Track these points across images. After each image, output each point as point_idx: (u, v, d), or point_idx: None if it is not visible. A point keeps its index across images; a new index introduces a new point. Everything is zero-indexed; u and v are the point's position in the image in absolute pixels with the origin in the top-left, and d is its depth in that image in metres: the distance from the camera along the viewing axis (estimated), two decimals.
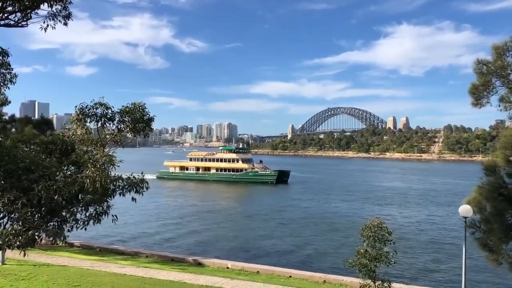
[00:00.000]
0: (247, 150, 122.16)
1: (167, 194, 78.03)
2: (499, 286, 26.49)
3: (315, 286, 21.12)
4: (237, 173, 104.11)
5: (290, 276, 23.26)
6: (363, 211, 57.09)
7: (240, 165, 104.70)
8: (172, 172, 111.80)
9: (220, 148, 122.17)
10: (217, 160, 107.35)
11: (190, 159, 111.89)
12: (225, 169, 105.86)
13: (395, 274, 25.99)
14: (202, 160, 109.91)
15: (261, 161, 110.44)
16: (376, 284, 17.04)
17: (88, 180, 8.30)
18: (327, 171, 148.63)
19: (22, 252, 7.99)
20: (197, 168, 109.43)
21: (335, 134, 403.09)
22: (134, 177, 9.83)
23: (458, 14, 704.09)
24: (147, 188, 9.90)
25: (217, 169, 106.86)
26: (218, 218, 53.16)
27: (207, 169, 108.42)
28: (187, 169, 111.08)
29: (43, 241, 8.80)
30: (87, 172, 8.46)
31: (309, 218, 53.42)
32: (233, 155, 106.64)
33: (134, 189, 9.65)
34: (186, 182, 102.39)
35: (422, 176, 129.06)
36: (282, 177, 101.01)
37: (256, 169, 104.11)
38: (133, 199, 9.71)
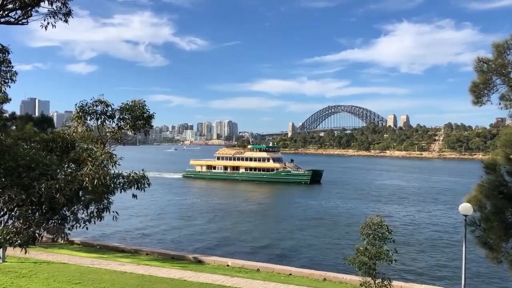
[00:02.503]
0: (277, 149, 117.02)
1: (186, 193, 76.99)
2: (498, 284, 26.53)
3: (315, 284, 21.15)
4: (268, 173, 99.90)
5: (290, 274, 23.29)
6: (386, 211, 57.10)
7: (271, 164, 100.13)
8: (199, 171, 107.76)
9: (250, 146, 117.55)
10: (247, 159, 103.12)
11: (218, 158, 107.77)
12: (255, 168, 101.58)
13: (396, 272, 26.03)
14: (230, 159, 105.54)
15: (292, 160, 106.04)
16: (376, 282, 17.06)
17: (87, 178, 8.31)
18: (335, 169, 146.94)
19: (23, 250, 8.01)
20: (225, 167, 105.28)
21: (336, 132, 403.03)
22: (135, 173, 9.82)
23: (459, 12, 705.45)
24: (148, 185, 9.90)
25: (246, 168, 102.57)
26: (229, 217, 52.67)
27: (236, 168, 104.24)
28: (214, 168, 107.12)
29: (43, 238, 8.81)
30: (86, 169, 8.46)
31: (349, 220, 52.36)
32: (264, 154, 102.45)
33: (135, 185, 9.64)
34: (213, 182, 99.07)
35: (423, 174, 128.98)
36: (315, 177, 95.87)
37: (288, 169, 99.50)
38: (134, 195, 9.72)
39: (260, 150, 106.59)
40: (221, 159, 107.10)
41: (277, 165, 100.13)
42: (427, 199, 72.08)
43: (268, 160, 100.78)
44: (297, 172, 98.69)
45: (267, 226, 46.63)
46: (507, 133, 10.63)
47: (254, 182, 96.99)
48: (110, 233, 39.02)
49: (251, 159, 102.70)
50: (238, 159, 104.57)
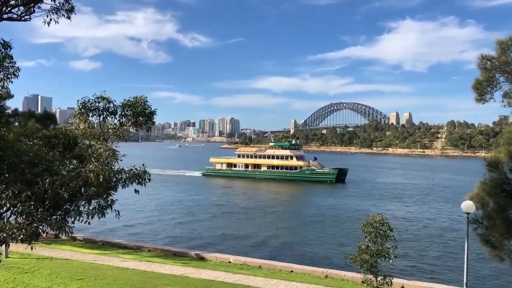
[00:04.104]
0: (300, 146, 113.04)
1: (201, 192, 75.93)
2: (500, 282, 26.51)
3: (317, 281, 21.15)
4: (292, 171, 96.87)
5: (292, 271, 23.30)
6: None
7: (295, 162, 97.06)
8: (219, 169, 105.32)
9: (271, 144, 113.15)
10: (269, 157, 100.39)
11: (238, 156, 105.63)
12: (277, 167, 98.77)
13: (397, 270, 26.04)
14: (251, 156, 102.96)
15: (315, 158, 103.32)
16: (377, 279, 17.09)
17: (91, 174, 8.32)
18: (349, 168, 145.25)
19: (26, 246, 8.03)
20: (246, 165, 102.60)
21: (338, 129, 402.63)
22: (136, 168, 9.80)
23: (463, 9, 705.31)
24: (149, 180, 9.89)
25: (268, 167, 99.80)
26: (239, 215, 52.34)
27: (257, 166, 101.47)
28: (235, 166, 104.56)
29: (46, 234, 8.84)
30: (91, 166, 8.46)
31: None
32: (287, 152, 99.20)
33: (137, 180, 9.63)
34: (233, 180, 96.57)
35: (426, 172, 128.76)
36: (339, 176, 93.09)
37: (312, 167, 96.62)
38: (136, 191, 9.70)
39: (283, 148, 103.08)
40: (242, 157, 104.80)
41: (301, 163, 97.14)
42: (431, 197, 72.04)
43: (291, 158, 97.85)
44: (322, 170, 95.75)
45: (274, 225, 46.54)
46: (510, 131, 10.60)
47: (276, 181, 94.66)
48: (112, 230, 39.14)
49: (273, 157, 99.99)
50: (260, 157, 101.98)
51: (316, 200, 66.37)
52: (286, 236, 39.83)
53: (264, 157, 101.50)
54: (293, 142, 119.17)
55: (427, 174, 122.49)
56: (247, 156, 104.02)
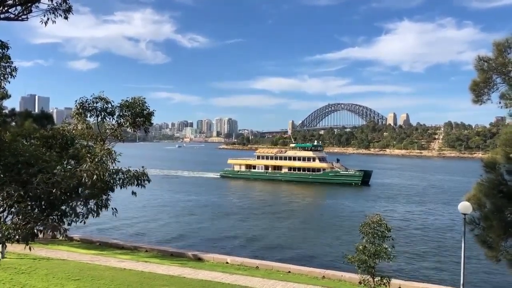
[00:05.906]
0: (322, 148, 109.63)
1: (214, 193, 74.16)
2: (497, 282, 26.57)
3: (314, 282, 21.16)
4: (314, 173, 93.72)
5: (289, 272, 23.31)
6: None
7: (318, 164, 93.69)
8: (238, 171, 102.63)
9: (292, 145, 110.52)
10: (290, 158, 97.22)
11: (258, 157, 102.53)
12: (299, 168, 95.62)
13: (395, 270, 26.09)
14: (271, 158, 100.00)
15: (338, 160, 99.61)
16: (375, 279, 17.13)
17: (85, 174, 8.29)
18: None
19: (22, 246, 8.01)
20: (266, 167, 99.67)
21: (336, 130, 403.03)
22: (136, 170, 9.80)
23: (460, 11, 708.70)
24: (148, 181, 9.88)
25: (289, 168, 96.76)
26: (244, 217, 51.87)
27: (278, 168, 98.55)
28: (254, 167, 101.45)
29: (43, 235, 8.81)
30: (85, 166, 8.44)
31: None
32: (309, 153, 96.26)
33: (136, 182, 9.62)
34: (252, 182, 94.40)
35: (423, 173, 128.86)
36: (364, 178, 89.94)
37: (336, 169, 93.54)
38: (133, 193, 9.68)
39: (305, 149, 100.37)
40: (261, 158, 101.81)
41: (324, 165, 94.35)
42: (427, 198, 72.15)
43: (314, 160, 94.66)
44: (347, 172, 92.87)
45: (279, 226, 46.43)
46: (507, 132, 10.62)
47: (298, 183, 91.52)
48: (109, 230, 39.03)
49: (294, 159, 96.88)
50: (281, 158, 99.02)
51: (345, 204, 63.25)
52: (288, 238, 39.77)
53: (285, 158, 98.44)
54: (316, 143, 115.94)
55: (430, 175, 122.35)
56: (267, 158, 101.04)
